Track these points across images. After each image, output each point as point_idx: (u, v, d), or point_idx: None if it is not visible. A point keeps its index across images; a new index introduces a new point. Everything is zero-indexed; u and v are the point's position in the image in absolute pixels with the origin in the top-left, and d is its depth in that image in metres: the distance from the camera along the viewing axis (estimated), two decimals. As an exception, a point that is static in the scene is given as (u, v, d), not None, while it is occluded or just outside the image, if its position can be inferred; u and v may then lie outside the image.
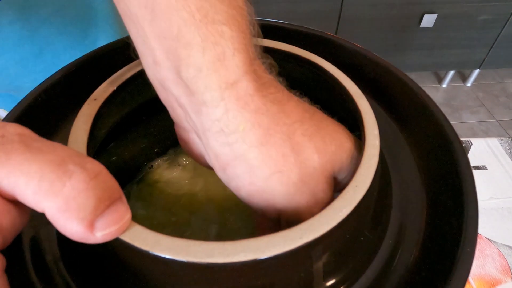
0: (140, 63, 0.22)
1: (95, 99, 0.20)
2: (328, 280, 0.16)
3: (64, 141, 0.20)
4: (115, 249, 0.15)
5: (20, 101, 0.22)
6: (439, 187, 0.20)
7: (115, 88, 0.21)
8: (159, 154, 0.32)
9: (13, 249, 0.18)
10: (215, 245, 0.14)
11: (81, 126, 0.18)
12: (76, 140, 0.18)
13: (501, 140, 0.60)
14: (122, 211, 0.14)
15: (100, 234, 0.13)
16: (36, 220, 0.19)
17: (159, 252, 0.14)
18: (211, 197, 0.31)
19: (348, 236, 0.16)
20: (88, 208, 0.12)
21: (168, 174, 0.33)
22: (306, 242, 0.14)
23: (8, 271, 0.17)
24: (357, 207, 0.15)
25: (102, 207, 0.13)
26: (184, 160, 0.33)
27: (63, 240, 0.18)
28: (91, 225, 0.12)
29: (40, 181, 0.12)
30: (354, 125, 0.20)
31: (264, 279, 0.15)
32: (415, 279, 0.17)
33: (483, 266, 0.45)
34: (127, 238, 0.14)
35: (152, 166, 0.33)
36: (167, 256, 0.14)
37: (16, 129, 0.13)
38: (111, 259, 0.16)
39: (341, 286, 0.17)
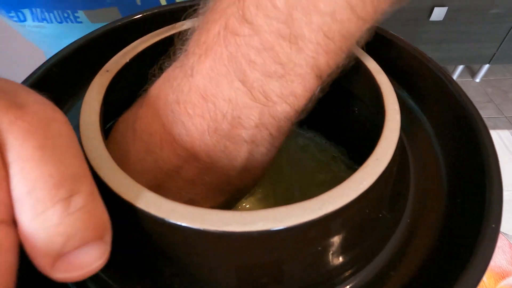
0: (153, 36, 0.22)
1: (107, 71, 0.19)
2: (346, 256, 0.16)
3: (76, 112, 0.20)
4: (128, 217, 0.15)
5: (31, 74, 0.21)
6: (459, 164, 0.19)
7: (127, 60, 0.20)
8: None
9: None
10: (232, 213, 0.13)
11: (94, 96, 0.18)
12: (89, 110, 0.17)
13: (513, 132, 0.59)
14: (95, 256, 0.11)
15: (59, 276, 0.11)
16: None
17: (174, 219, 0.13)
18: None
19: (367, 211, 0.16)
20: (54, 246, 0.11)
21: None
22: (326, 213, 0.14)
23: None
24: (378, 180, 0.15)
25: (70, 247, 0.11)
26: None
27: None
28: (51, 264, 0.11)
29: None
30: (373, 102, 0.19)
31: (281, 251, 0.14)
32: (435, 259, 0.17)
33: (493, 258, 0.44)
34: (142, 205, 0.14)
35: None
36: (183, 224, 0.13)
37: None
38: (124, 228, 0.15)
39: (359, 263, 0.16)
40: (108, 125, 0.21)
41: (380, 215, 0.17)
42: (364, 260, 0.16)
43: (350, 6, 0.14)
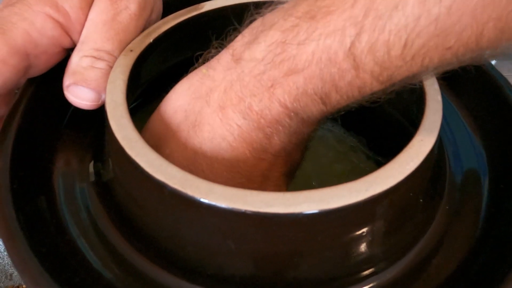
0: (176, 17, 0.21)
1: (131, 50, 0.19)
2: (387, 242, 0.15)
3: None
4: (161, 199, 0.14)
5: None
6: (499, 147, 0.18)
7: (151, 40, 0.19)
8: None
9: (50, 208, 0.17)
10: (275, 195, 0.13)
11: (119, 76, 0.17)
12: (114, 89, 0.17)
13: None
14: (88, 96, 0.18)
15: (66, 94, 0.18)
16: (71, 178, 0.18)
17: (213, 200, 0.13)
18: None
19: (411, 194, 0.15)
20: (73, 77, 0.18)
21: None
22: (372, 194, 0.13)
23: (45, 229, 0.16)
24: (424, 162, 0.14)
25: (79, 82, 0.18)
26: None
27: (102, 194, 0.17)
28: (67, 86, 0.18)
29: None
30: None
31: (323, 234, 0.13)
32: (481, 245, 0.16)
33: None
34: (178, 185, 0.13)
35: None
36: (222, 205, 0.13)
37: None
38: (155, 211, 0.15)
39: (401, 249, 0.16)
40: (132, 105, 0.20)
41: (422, 200, 0.16)
42: (406, 246, 0.16)
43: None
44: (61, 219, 0.16)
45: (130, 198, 0.16)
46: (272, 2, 0.17)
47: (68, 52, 0.20)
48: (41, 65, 0.19)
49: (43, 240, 0.15)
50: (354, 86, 0.14)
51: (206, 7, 0.22)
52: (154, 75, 0.21)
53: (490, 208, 0.17)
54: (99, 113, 0.18)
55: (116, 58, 0.18)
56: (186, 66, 0.23)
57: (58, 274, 0.13)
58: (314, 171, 0.34)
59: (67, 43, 0.19)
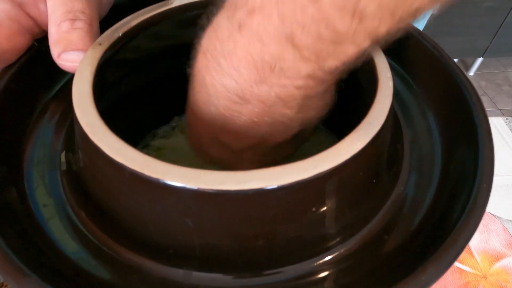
0: (146, 12, 0.22)
1: (100, 44, 0.19)
2: (340, 218, 0.16)
3: (71, 84, 0.20)
4: (121, 180, 0.15)
5: (28, 49, 0.21)
6: (453, 135, 0.19)
7: (120, 34, 0.20)
8: (164, 121, 0.32)
9: (20, 195, 0.17)
10: (227, 173, 0.13)
11: (87, 67, 0.18)
12: (81, 79, 0.17)
13: (507, 119, 0.60)
14: (79, 58, 0.19)
15: (59, 62, 0.19)
16: (42, 165, 0.19)
17: (169, 180, 0.13)
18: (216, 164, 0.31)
19: (361, 173, 0.16)
20: (61, 45, 0.19)
21: (172, 141, 0.33)
22: (319, 172, 0.14)
23: (14, 214, 0.16)
24: (371, 142, 0.15)
25: (69, 48, 0.19)
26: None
27: (72, 181, 0.18)
28: (58, 55, 0.19)
29: None
30: (365, 70, 0.19)
31: (275, 210, 0.14)
32: (428, 222, 0.17)
33: (487, 240, 0.44)
34: (137, 167, 0.14)
35: (157, 134, 0.32)
36: (178, 184, 0.13)
37: None
38: (117, 192, 0.15)
39: (353, 227, 0.16)
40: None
41: (375, 180, 0.17)
42: (358, 224, 0.17)
43: None
44: (30, 205, 0.17)
45: (96, 182, 0.17)
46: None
47: (33, 44, 0.21)
48: (7, 53, 0.20)
49: (11, 224, 0.15)
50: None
51: (176, 2, 0.23)
52: (123, 74, 0.22)
53: (441, 187, 0.18)
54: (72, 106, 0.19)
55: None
56: (156, 60, 0.24)
57: (24, 255, 0.14)
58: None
59: (25, 21, 0.20)
